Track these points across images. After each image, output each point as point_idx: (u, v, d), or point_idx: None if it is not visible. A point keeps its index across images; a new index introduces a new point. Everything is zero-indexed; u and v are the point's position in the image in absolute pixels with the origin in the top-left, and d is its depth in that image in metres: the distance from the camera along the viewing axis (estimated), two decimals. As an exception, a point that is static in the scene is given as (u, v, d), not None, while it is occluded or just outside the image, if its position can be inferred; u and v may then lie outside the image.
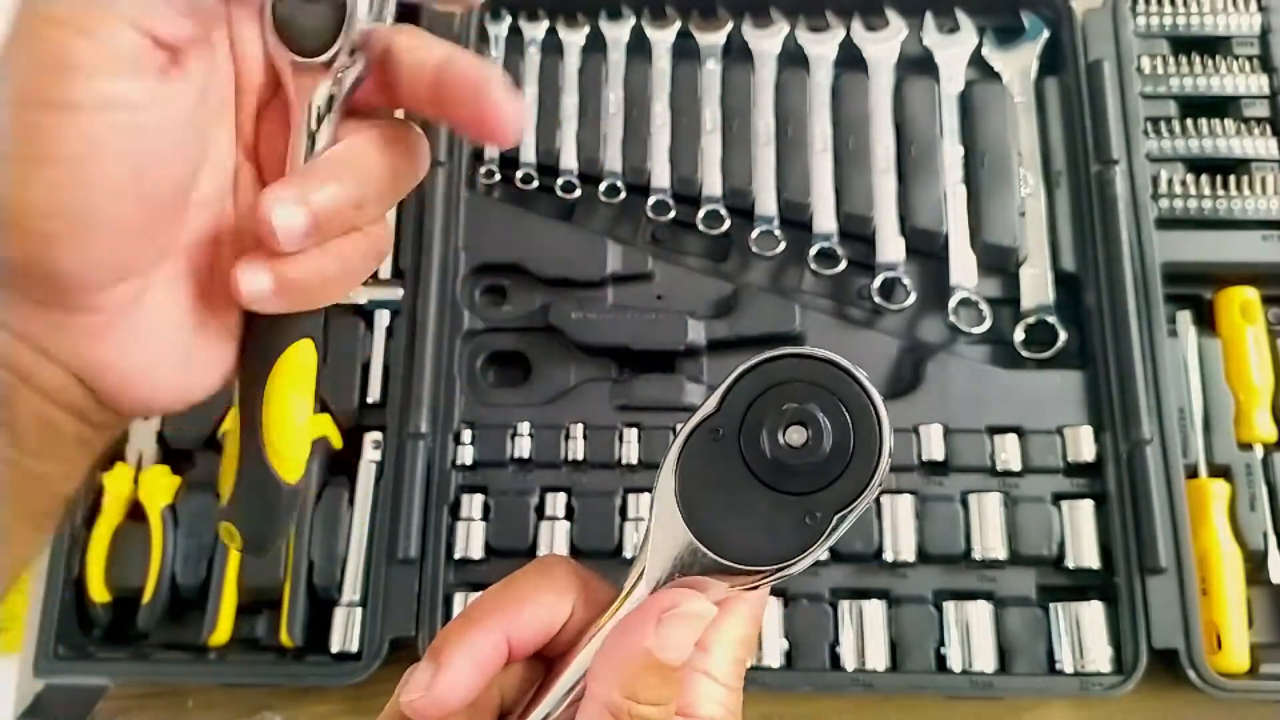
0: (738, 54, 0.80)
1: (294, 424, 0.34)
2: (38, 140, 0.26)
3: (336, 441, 0.71)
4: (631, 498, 0.69)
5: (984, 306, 0.72)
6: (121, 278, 0.29)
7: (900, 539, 0.67)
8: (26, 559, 0.33)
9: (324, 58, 0.31)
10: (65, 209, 0.27)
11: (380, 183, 0.32)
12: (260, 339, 0.33)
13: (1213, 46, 0.78)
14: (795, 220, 0.75)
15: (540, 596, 0.32)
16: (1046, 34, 0.78)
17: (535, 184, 0.78)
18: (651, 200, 0.76)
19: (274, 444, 0.33)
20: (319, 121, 0.31)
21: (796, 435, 0.28)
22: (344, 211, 0.31)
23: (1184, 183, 0.74)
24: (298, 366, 0.33)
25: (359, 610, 0.67)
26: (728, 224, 0.75)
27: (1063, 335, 0.71)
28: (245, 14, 0.31)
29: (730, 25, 0.80)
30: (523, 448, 0.70)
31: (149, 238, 0.29)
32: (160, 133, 0.28)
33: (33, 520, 0.31)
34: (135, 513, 0.71)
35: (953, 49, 0.78)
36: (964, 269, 0.73)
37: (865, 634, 0.65)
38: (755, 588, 0.30)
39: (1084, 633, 0.64)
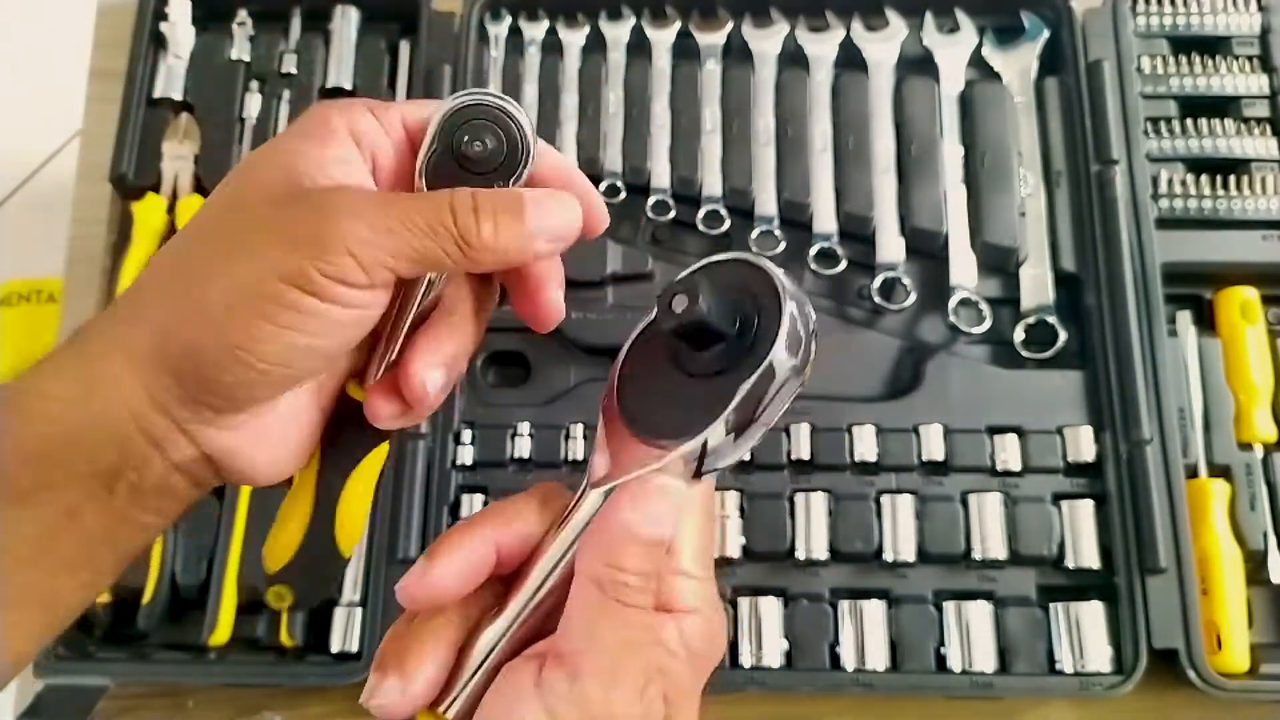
0: (738, 54, 0.80)
1: (364, 511, 0.39)
2: (269, 307, 0.32)
3: (336, 441, 0.71)
4: (631, 498, 0.69)
5: (984, 306, 0.72)
6: (270, 399, 0.35)
7: (900, 539, 0.67)
8: (101, 589, 0.38)
9: None
10: (258, 357, 0.33)
11: (479, 326, 0.38)
12: (351, 438, 0.38)
13: (1213, 46, 0.78)
14: (795, 220, 0.75)
15: (528, 514, 0.36)
16: (1046, 34, 0.78)
17: (535, 184, 0.78)
18: (651, 200, 0.76)
19: (344, 526, 0.38)
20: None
21: (682, 300, 0.30)
22: (462, 359, 0.38)
23: (1184, 183, 0.74)
24: (375, 462, 0.39)
25: (359, 610, 0.67)
26: (728, 224, 0.75)
27: (1063, 335, 0.71)
28: None
29: (730, 25, 0.80)
30: (523, 448, 0.70)
31: (306, 378, 0.36)
32: (355, 326, 0.34)
33: (122, 557, 0.36)
34: (135, 513, 0.71)
35: (953, 49, 0.78)
36: (964, 269, 0.73)
37: (865, 634, 0.65)
38: (696, 475, 0.33)
39: (1084, 633, 0.64)
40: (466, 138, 0.35)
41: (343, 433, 0.38)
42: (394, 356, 0.37)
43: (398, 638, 0.35)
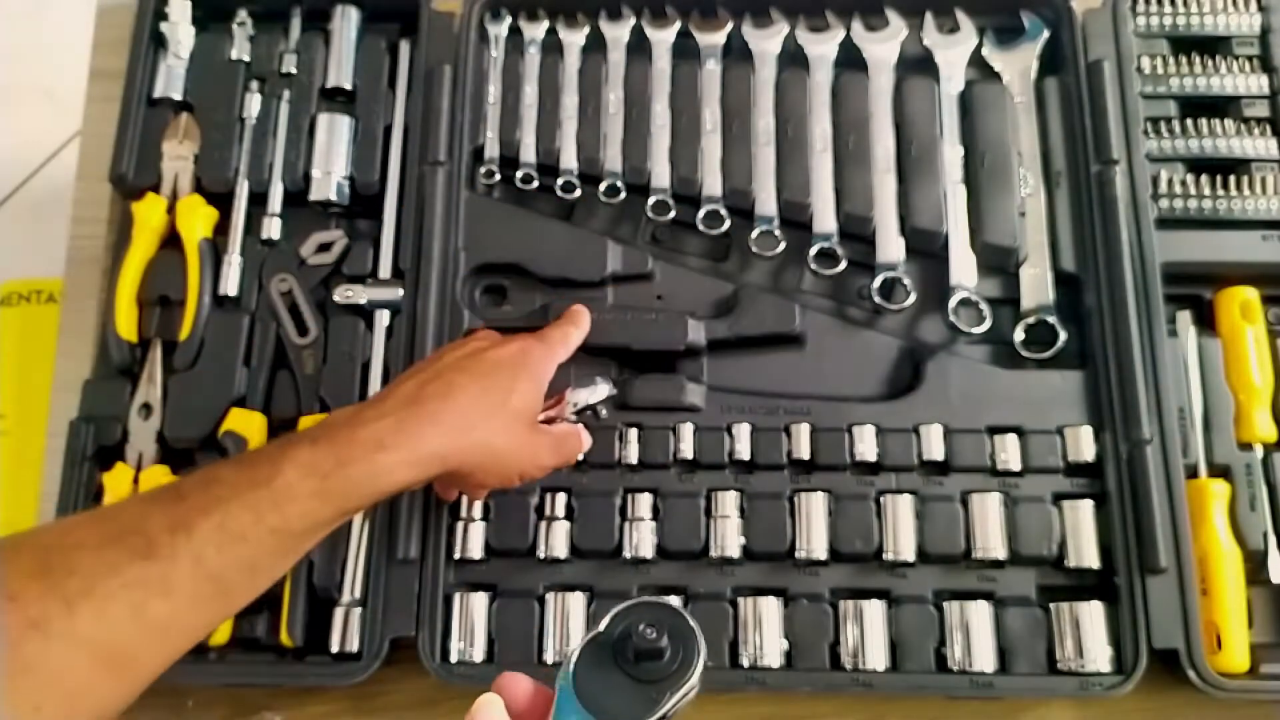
0: (738, 54, 0.80)
1: None
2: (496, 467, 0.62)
3: (336, 441, 0.71)
4: (631, 498, 0.69)
5: (984, 306, 0.72)
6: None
7: (900, 539, 0.67)
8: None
9: None
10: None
11: None
12: None
13: (1213, 46, 0.78)
14: (795, 220, 0.75)
15: None
16: (1046, 34, 0.78)
17: (535, 184, 0.78)
18: (651, 200, 0.76)
19: None
20: None
21: (651, 633, 0.43)
22: None
23: (1184, 183, 0.74)
24: None
25: (359, 610, 0.67)
26: (728, 224, 0.75)
27: (1063, 335, 0.71)
28: None
29: (730, 25, 0.80)
30: (523, 448, 0.70)
31: None
32: None
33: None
34: (135, 513, 0.71)
35: (953, 49, 0.78)
36: (964, 269, 0.73)
37: (865, 634, 0.65)
38: None
39: (1084, 633, 0.64)
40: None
41: None
42: None
43: None
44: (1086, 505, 0.67)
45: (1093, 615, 0.64)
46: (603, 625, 0.45)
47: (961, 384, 0.70)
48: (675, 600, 0.48)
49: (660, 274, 0.75)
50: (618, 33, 0.81)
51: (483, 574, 0.69)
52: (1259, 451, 0.69)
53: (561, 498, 0.69)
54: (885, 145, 0.76)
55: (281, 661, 0.68)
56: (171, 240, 0.77)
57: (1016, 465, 0.68)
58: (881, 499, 0.68)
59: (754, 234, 0.75)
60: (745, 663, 0.65)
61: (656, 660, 0.44)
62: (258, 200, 0.77)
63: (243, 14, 0.82)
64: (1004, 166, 0.75)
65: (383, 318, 0.74)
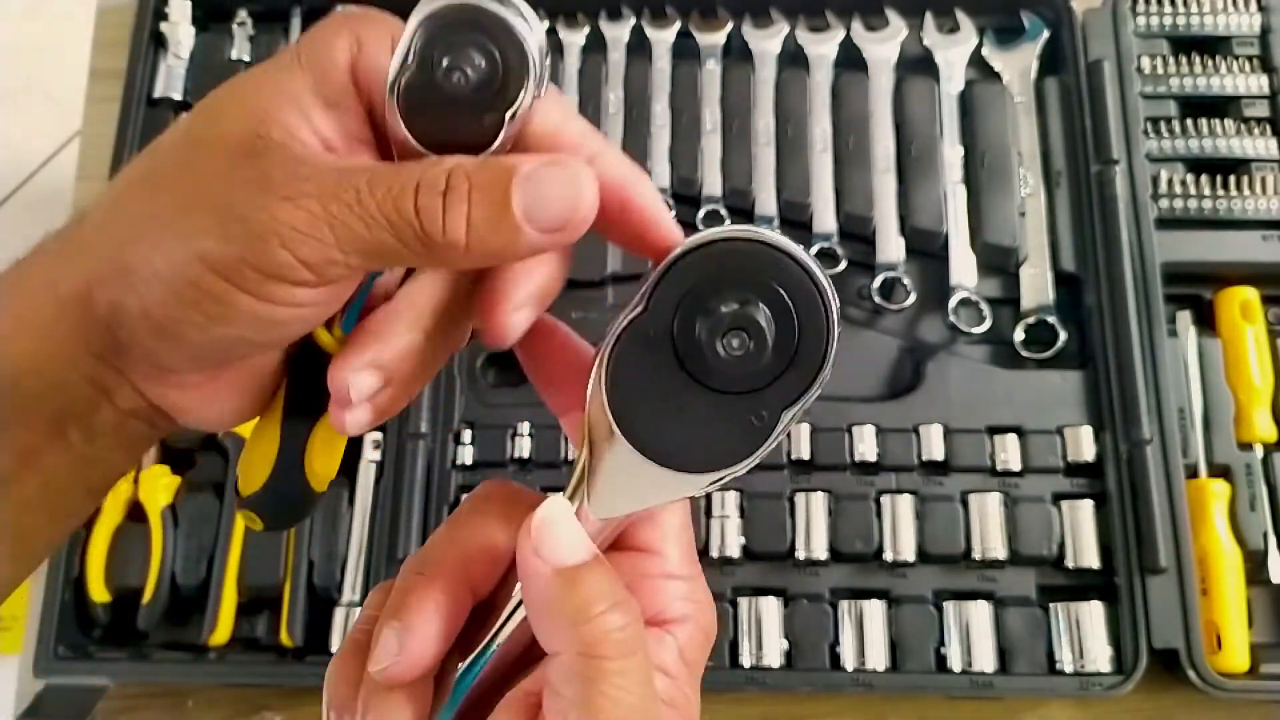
0: (738, 54, 0.80)
1: (338, 447, 0.34)
2: (195, 296, 0.26)
3: (336, 441, 0.71)
4: (631, 498, 0.69)
5: (984, 306, 0.72)
6: (206, 371, 0.30)
7: (900, 539, 0.67)
8: (79, 522, 0.34)
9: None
10: (184, 342, 0.28)
11: (453, 314, 0.31)
12: (318, 379, 0.31)
13: (1213, 46, 0.78)
14: (795, 220, 0.75)
15: (490, 532, 0.30)
16: (1046, 34, 0.78)
17: (535, 184, 0.78)
18: (651, 200, 0.76)
19: (314, 464, 0.33)
20: None
21: (737, 342, 0.24)
22: (416, 354, 0.30)
23: (1184, 183, 0.74)
24: None
25: (359, 610, 0.67)
26: (728, 224, 0.75)
27: (1063, 335, 0.71)
28: None
29: (730, 25, 0.80)
30: (523, 448, 0.70)
31: (246, 358, 0.31)
32: (300, 323, 0.29)
33: (90, 493, 0.33)
34: (135, 513, 0.71)
35: (953, 49, 0.78)
36: (964, 269, 0.73)
37: (865, 634, 0.65)
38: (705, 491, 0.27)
39: (1084, 633, 0.64)
40: (446, 61, 0.26)
41: (309, 372, 0.32)
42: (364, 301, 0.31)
43: (345, 682, 0.29)
44: (1086, 505, 0.67)
45: (1093, 615, 0.64)
46: (643, 304, 0.26)
47: (961, 384, 0.70)
48: (768, 231, 0.25)
49: (660, 274, 0.75)
50: (618, 33, 0.80)
51: (483, 574, 0.68)
52: (1259, 451, 0.69)
53: (561, 498, 0.69)
54: (885, 145, 0.76)
55: (281, 661, 0.68)
56: (171, 240, 0.76)
57: (1016, 465, 0.68)
58: (881, 499, 0.68)
59: (754, 234, 0.75)
60: (745, 663, 0.65)
61: (752, 364, 0.24)
62: (258, 200, 0.77)
63: (243, 14, 0.82)
64: (1004, 166, 0.75)
65: (383, 318, 0.74)
